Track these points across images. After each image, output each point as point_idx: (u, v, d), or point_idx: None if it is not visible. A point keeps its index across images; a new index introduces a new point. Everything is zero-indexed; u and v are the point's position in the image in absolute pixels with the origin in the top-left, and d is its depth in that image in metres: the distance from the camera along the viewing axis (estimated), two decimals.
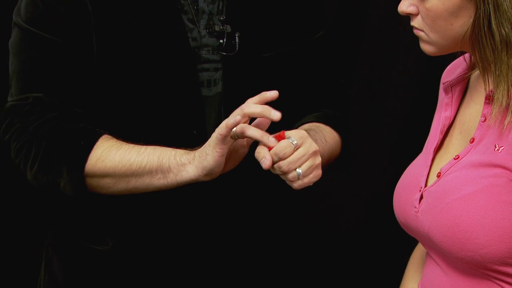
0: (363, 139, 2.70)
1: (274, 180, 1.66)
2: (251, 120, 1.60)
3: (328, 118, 1.88)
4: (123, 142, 1.71)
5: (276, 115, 1.56)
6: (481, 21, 1.51)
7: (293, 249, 2.01)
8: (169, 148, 1.68)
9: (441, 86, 1.73)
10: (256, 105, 1.57)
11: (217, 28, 1.79)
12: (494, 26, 1.50)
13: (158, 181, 1.68)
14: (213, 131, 1.60)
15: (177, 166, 1.65)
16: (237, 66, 1.80)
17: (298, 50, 1.87)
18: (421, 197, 1.63)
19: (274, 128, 1.62)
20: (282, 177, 1.61)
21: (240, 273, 1.89)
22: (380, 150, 2.77)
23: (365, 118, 2.74)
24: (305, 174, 1.59)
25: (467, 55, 1.65)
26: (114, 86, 1.76)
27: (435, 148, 1.68)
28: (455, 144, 1.65)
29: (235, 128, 1.56)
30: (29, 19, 1.74)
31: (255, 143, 1.60)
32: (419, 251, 1.84)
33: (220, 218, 1.83)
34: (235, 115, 1.57)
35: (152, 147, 1.68)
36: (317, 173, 1.62)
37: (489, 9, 1.50)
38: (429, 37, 1.58)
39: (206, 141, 1.62)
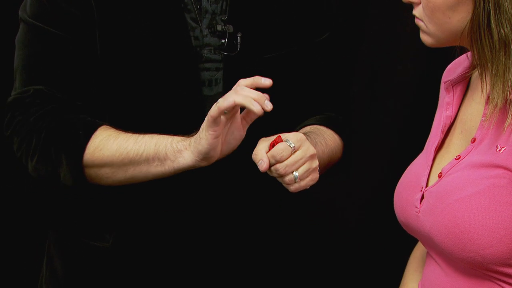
0: (363, 139, 2.70)
1: (274, 180, 1.65)
2: (241, 110, 1.60)
3: (331, 121, 1.88)
4: (121, 132, 1.71)
5: (268, 105, 1.55)
6: (480, 19, 1.51)
7: (293, 249, 2.01)
8: (166, 136, 1.67)
9: (442, 85, 1.73)
10: (251, 90, 1.56)
11: (219, 27, 1.79)
12: (493, 25, 1.50)
13: (156, 168, 1.67)
14: None
15: (174, 153, 1.65)
16: (238, 66, 1.80)
17: (301, 52, 1.87)
18: (422, 197, 1.63)
19: (276, 130, 1.62)
20: (279, 179, 1.61)
21: (240, 273, 1.89)
22: (380, 150, 2.76)
23: (365, 118, 2.74)
24: (301, 177, 1.60)
25: (470, 54, 1.65)
26: (115, 83, 1.77)
27: (436, 148, 1.68)
28: (456, 144, 1.65)
29: (220, 99, 1.55)
30: (34, 14, 1.76)
31: (253, 133, 1.59)
32: (419, 250, 1.84)
33: (220, 217, 1.83)
34: (228, 98, 1.55)
35: (149, 135, 1.69)
36: (314, 176, 1.62)
37: (489, 8, 1.49)
38: (428, 28, 1.58)
39: None
